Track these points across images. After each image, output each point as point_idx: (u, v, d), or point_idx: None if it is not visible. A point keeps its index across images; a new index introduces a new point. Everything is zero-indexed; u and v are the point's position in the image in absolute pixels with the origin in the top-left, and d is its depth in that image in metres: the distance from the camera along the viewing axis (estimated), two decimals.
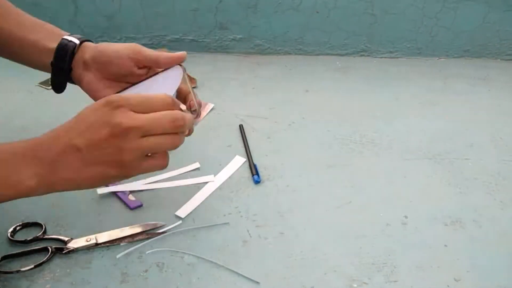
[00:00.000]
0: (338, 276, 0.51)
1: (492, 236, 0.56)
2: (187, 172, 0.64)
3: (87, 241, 0.53)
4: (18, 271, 0.49)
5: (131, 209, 0.58)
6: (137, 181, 0.62)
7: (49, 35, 0.56)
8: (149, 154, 0.46)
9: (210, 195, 0.60)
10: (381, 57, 0.94)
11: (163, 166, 0.48)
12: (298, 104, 0.79)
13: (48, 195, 0.59)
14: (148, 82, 0.55)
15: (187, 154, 0.68)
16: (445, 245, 0.54)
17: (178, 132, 0.46)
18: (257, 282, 0.50)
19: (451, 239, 0.55)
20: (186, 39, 0.94)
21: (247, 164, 0.66)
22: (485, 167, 0.66)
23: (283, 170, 0.65)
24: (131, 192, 0.60)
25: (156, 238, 0.54)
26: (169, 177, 0.63)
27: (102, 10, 0.91)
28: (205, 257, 0.52)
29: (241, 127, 0.73)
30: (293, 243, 0.54)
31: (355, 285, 0.50)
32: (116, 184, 0.61)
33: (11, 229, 0.54)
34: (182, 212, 0.58)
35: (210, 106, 0.77)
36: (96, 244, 0.53)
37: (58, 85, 0.59)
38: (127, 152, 0.43)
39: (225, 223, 0.56)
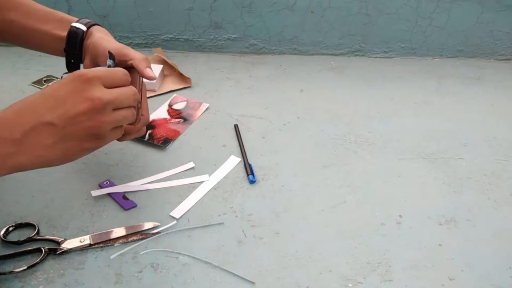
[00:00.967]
0: (333, 276, 0.51)
1: (486, 235, 0.56)
2: (181, 172, 0.64)
3: (80, 241, 0.52)
4: (11, 272, 0.49)
5: (125, 209, 0.57)
6: (132, 182, 0.61)
7: (59, 23, 0.60)
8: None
9: (204, 195, 0.60)
10: (376, 57, 0.95)
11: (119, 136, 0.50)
12: (293, 104, 0.79)
13: (41, 195, 0.59)
14: None
15: (181, 154, 0.67)
16: (440, 244, 0.55)
17: (135, 106, 0.50)
18: (252, 282, 0.50)
19: (446, 238, 0.55)
20: (180, 39, 0.94)
21: (242, 164, 0.65)
22: (479, 167, 0.66)
23: (278, 170, 0.65)
24: (125, 193, 0.60)
25: (150, 238, 0.54)
26: (164, 177, 0.63)
27: (96, 9, 0.90)
28: (200, 257, 0.52)
29: (236, 127, 0.73)
30: (288, 243, 0.54)
31: (350, 285, 0.50)
32: (110, 186, 0.60)
33: (3, 230, 0.53)
34: (177, 212, 0.57)
35: (205, 106, 0.77)
36: (90, 245, 0.52)
37: (74, 69, 0.61)
38: (105, 124, 0.46)
39: (220, 223, 0.56)
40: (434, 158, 0.68)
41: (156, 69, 0.83)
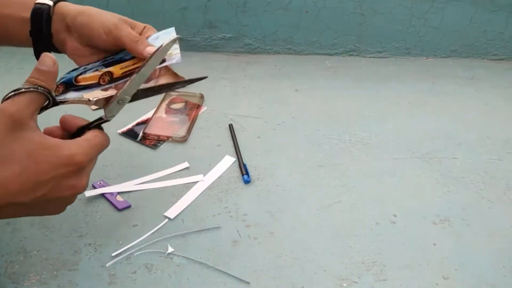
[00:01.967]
0: (328, 276, 0.51)
1: (480, 234, 0.56)
2: (176, 172, 0.64)
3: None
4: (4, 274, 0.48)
5: (119, 210, 0.57)
6: (126, 182, 0.61)
7: (23, 5, 0.51)
8: None
9: (199, 195, 0.60)
10: (370, 57, 0.95)
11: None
12: (288, 104, 0.79)
13: None
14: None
15: (176, 153, 0.67)
16: (434, 244, 0.55)
17: None
18: (247, 282, 0.49)
19: (440, 238, 0.55)
20: None
21: (236, 164, 0.65)
22: (473, 166, 0.67)
23: (273, 170, 0.65)
24: (119, 193, 0.59)
25: (144, 238, 0.53)
26: (158, 177, 0.62)
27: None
28: (194, 258, 0.52)
29: (230, 126, 0.73)
30: (283, 243, 0.54)
31: (345, 285, 0.50)
32: (104, 186, 0.60)
33: None
34: (171, 212, 0.57)
35: (203, 108, 0.77)
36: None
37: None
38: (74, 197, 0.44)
39: (216, 227, 0.56)
40: (429, 158, 0.68)
41: None
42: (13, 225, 0.55)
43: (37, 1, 0.50)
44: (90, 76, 0.50)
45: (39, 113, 0.41)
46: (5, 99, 0.39)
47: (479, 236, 0.56)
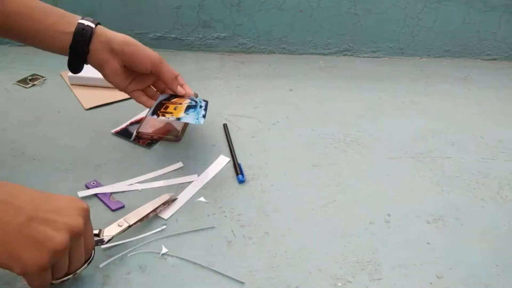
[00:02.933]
0: (322, 275, 0.51)
1: (474, 233, 0.56)
2: (170, 172, 0.63)
3: (119, 225, 0.52)
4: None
5: (113, 210, 0.57)
6: (119, 182, 0.61)
7: (62, 18, 0.59)
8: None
9: (193, 195, 0.60)
10: (364, 57, 0.95)
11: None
12: (282, 103, 0.79)
13: None
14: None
15: (170, 153, 0.67)
16: (428, 243, 0.55)
17: None
18: (242, 282, 0.49)
19: (434, 237, 0.56)
20: (168, 37, 0.93)
21: (231, 164, 0.65)
22: (466, 165, 0.67)
23: (268, 170, 0.65)
24: (112, 193, 0.59)
25: (138, 239, 0.53)
26: (152, 177, 0.62)
27: (81, 6, 0.89)
28: (189, 258, 0.51)
29: (225, 126, 0.72)
30: (278, 243, 0.54)
31: (340, 284, 0.50)
32: (97, 186, 0.59)
33: None
34: (165, 213, 0.57)
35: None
36: (129, 226, 0.52)
37: (75, 67, 0.62)
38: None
39: (210, 228, 0.56)
40: (422, 157, 0.68)
41: None
42: None
43: (79, 21, 0.59)
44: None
45: None
46: None
47: (472, 235, 0.56)
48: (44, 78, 0.82)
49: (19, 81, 0.80)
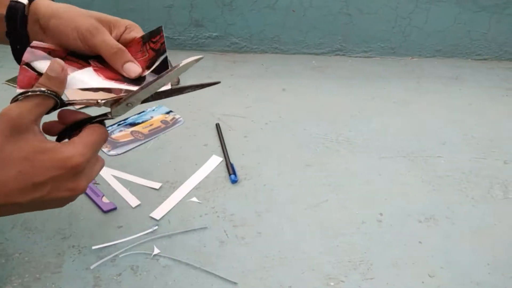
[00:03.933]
0: (315, 275, 0.51)
1: (465, 232, 0.57)
2: (161, 172, 0.63)
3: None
4: None
5: (104, 212, 0.56)
6: (111, 183, 0.60)
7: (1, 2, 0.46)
8: None
9: (186, 195, 0.59)
10: (356, 57, 0.95)
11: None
12: (275, 103, 0.79)
13: None
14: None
15: (162, 153, 0.66)
16: (420, 242, 0.55)
17: None
18: (235, 283, 0.49)
19: (425, 236, 0.56)
20: None
21: (223, 164, 0.65)
22: (457, 165, 0.67)
23: (260, 169, 0.64)
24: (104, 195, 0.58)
25: (129, 240, 0.53)
26: (144, 177, 0.61)
27: (72, 5, 0.88)
28: (181, 259, 0.51)
29: (217, 126, 0.72)
30: (271, 243, 0.54)
31: (332, 284, 0.50)
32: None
33: None
34: (157, 213, 0.56)
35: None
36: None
37: (19, 55, 0.47)
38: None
39: (203, 228, 0.55)
40: (414, 157, 0.69)
41: None
42: None
43: None
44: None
45: (47, 113, 0.41)
46: (13, 101, 0.39)
47: (464, 234, 0.57)
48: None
49: (8, 80, 0.79)
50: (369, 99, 0.82)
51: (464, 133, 0.74)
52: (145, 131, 0.70)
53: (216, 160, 0.65)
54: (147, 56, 0.48)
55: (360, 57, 0.95)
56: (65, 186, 0.39)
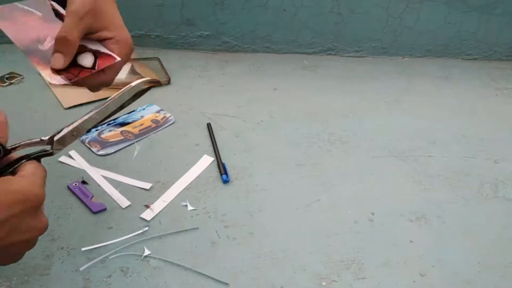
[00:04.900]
0: (307, 275, 0.50)
1: (456, 231, 0.57)
2: (152, 172, 0.62)
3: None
4: None
5: (94, 212, 0.55)
6: (102, 183, 0.59)
7: None
8: None
9: (177, 195, 0.59)
10: (348, 56, 0.95)
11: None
12: (266, 103, 0.79)
13: None
14: None
15: (153, 153, 0.66)
16: (411, 241, 0.55)
17: None
18: (226, 284, 0.49)
19: (417, 235, 0.56)
20: (151, 35, 0.92)
21: (215, 164, 0.64)
22: (448, 164, 0.68)
23: (252, 169, 0.64)
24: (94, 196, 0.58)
25: (119, 241, 0.52)
26: (134, 177, 0.61)
27: None
28: (172, 260, 0.50)
29: (209, 125, 0.72)
30: (263, 243, 0.54)
31: (324, 283, 0.50)
32: (79, 187, 0.58)
33: None
34: (148, 214, 0.56)
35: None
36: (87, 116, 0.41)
37: None
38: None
39: (194, 228, 0.55)
40: (405, 156, 0.69)
41: (125, 67, 0.80)
42: None
43: None
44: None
45: None
46: None
47: (454, 233, 0.57)
48: (22, 77, 0.80)
49: None
50: (360, 98, 0.82)
51: (455, 132, 0.75)
52: (135, 131, 0.69)
53: (207, 160, 0.65)
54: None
55: (351, 56, 0.95)
56: (27, 224, 0.34)
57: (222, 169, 0.63)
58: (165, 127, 0.71)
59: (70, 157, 0.63)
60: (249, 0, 0.88)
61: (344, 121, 0.76)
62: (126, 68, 0.80)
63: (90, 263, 0.49)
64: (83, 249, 0.51)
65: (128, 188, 0.59)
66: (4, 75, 0.79)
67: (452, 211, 0.60)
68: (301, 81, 0.86)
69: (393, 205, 0.60)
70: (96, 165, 0.62)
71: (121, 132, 0.69)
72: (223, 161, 0.64)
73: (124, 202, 0.57)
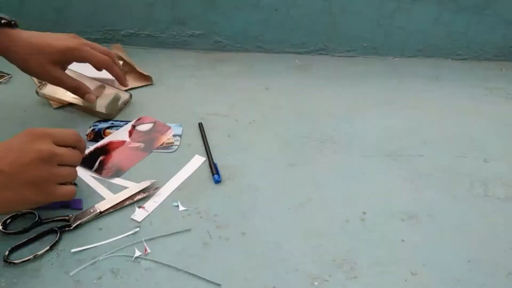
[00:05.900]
0: (299, 275, 0.50)
1: (446, 230, 0.58)
2: (143, 173, 0.62)
3: (90, 212, 0.54)
4: (35, 256, 0.49)
5: (72, 209, 0.54)
6: (93, 183, 0.59)
7: None
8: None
9: (168, 196, 0.59)
10: (339, 56, 0.96)
11: (72, 194, 0.53)
12: (258, 102, 0.79)
13: None
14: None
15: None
16: (402, 240, 0.56)
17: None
18: (218, 285, 0.49)
19: (408, 234, 0.56)
20: (141, 34, 0.91)
21: (207, 163, 0.64)
22: (438, 163, 0.68)
23: (244, 169, 0.64)
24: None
25: (110, 242, 0.52)
26: (126, 178, 0.60)
27: (50, 1, 0.86)
28: (163, 261, 0.50)
29: (200, 125, 0.71)
30: (255, 243, 0.54)
31: (316, 283, 0.50)
32: None
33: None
34: (139, 215, 0.55)
35: (171, 132, 0.69)
36: (101, 212, 0.54)
37: None
38: (50, 175, 0.49)
39: (186, 230, 0.55)
40: (396, 156, 0.69)
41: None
42: None
43: None
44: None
45: None
46: None
47: (445, 232, 0.57)
48: (10, 76, 0.78)
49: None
50: (352, 98, 0.82)
51: (445, 132, 0.75)
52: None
53: (199, 160, 0.65)
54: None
55: (343, 56, 0.96)
56: (32, 147, 0.48)
57: (214, 169, 0.62)
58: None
59: None
60: None
61: (336, 120, 0.76)
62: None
63: (81, 267, 0.49)
64: (72, 250, 0.50)
65: (118, 188, 0.59)
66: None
67: (443, 210, 0.60)
68: (293, 81, 0.86)
69: (385, 204, 0.60)
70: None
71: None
72: (215, 161, 0.64)
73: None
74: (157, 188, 0.58)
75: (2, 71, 0.79)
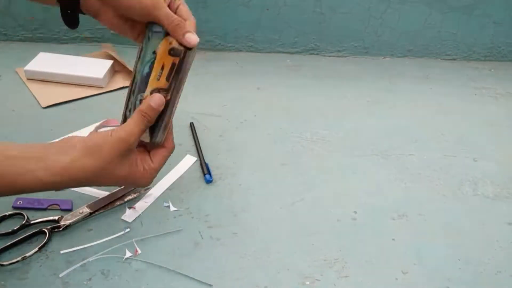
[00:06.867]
0: (291, 274, 0.50)
1: (436, 229, 0.58)
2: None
3: (79, 213, 0.53)
4: (23, 258, 0.48)
5: (62, 210, 0.54)
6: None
7: None
8: None
9: (159, 196, 0.58)
10: (330, 56, 0.96)
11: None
12: (250, 102, 0.78)
13: None
14: None
15: None
16: (393, 239, 0.56)
17: None
18: (210, 285, 0.48)
19: (398, 233, 0.57)
20: None
21: (198, 163, 0.64)
22: (428, 162, 0.69)
23: (236, 169, 0.64)
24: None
25: (100, 243, 0.51)
26: None
27: None
28: (154, 262, 0.50)
29: (191, 125, 0.71)
30: (246, 243, 0.53)
31: (308, 283, 0.50)
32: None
33: None
34: (129, 216, 0.55)
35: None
36: (90, 214, 0.53)
37: (70, 19, 0.54)
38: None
39: (177, 230, 0.54)
40: (387, 155, 0.70)
41: (105, 65, 0.79)
42: None
43: None
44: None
45: None
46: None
47: (435, 231, 0.58)
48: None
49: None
50: (343, 98, 0.82)
51: (435, 131, 0.76)
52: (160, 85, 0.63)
53: (190, 160, 0.64)
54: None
55: (333, 56, 0.96)
56: (138, 174, 0.49)
57: (205, 169, 0.62)
58: None
59: None
60: None
61: (327, 120, 0.76)
62: (107, 66, 0.79)
63: (70, 268, 0.48)
64: (62, 251, 0.50)
65: (108, 189, 0.58)
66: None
67: (433, 209, 0.61)
68: (284, 81, 0.86)
69: (376, 203, 0.61)
70: None
71: None
72: (206, 160, 0.64)
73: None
74: (148, 189, 0.58)
75: None
